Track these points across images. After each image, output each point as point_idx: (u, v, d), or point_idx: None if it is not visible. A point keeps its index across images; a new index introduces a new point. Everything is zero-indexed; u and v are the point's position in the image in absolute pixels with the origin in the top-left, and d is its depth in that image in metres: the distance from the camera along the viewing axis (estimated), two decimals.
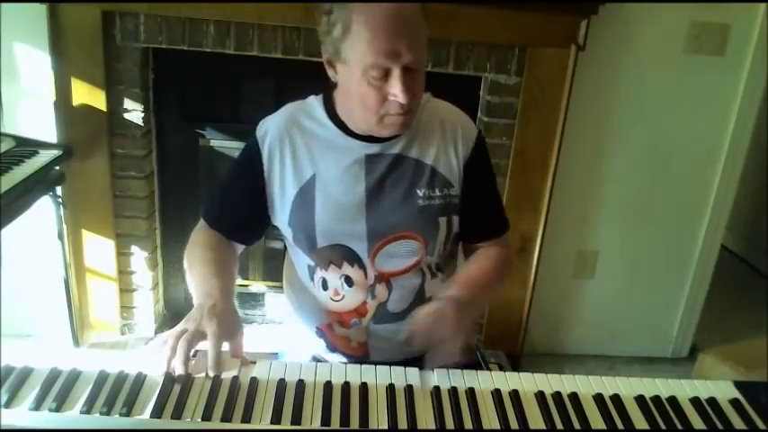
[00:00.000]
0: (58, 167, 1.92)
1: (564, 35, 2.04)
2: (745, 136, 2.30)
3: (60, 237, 2.04)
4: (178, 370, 0.98)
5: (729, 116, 2.27)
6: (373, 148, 1.19)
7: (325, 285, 1.24)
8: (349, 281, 1.22)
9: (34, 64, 2.02)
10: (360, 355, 1.27)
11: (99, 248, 2.25)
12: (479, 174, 1.25)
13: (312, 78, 2.16)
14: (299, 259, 1.28)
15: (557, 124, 2.14)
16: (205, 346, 1.01)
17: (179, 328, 1.03)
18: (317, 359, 1.30)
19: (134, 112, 2.12)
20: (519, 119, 2.16)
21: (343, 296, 1.23)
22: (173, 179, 2.34)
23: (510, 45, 2.08)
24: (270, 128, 1.21)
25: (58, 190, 1.98)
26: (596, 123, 2.26)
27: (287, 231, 1.24)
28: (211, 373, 1.00)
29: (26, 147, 1.88)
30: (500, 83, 2.14)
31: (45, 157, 1.85)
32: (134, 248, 2.30)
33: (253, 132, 1.23)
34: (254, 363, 1.05)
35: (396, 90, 1.06)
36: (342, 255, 1.21)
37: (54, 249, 2.08)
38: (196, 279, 1.16)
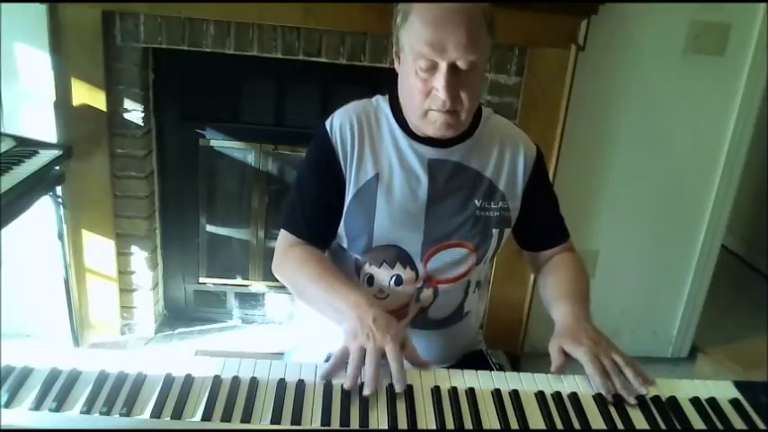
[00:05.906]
0: (57, 167, 1.92)
1: (564, 35, 2.04)
2: (745, 136, 2.30)
3: (60, 237, 2.04)
4: (371, 388, 0.96)
5: (729, 116, 2.27)
6: (435, 153, 1.20)
7: (371, 282, 1.24)
8: (399, 281, 1.22)
9: (34, 64, 2.02)
10: None
11: (99, 248, 2.25)
12: (543, 187, 1.30)
13: (312, 79, 2.20)
14: (343, 254, 1.26)
15: (557, 124, 2.14)
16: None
17: (352, 346, 1.00)
18: None
19: (134, 112, 2.12)
20: (519, 119, 2.15)
21: (388, 295, 1.23)
22: (173, 179, 2.34)
23: (510, 45, 2.08)
24: (336, 122, 1.21)
25: (58, 190, 1.98)
26: (596, 123, 2.26)
27: (339, 227, 1.23)
28: (399, 388, 0.97)
29: (26, 147, 1.88)
30: (500, 83, 2.14)
31: (45, 157, 1.85)
32: (134, 248, 2.30)
33: (320, 127, 1.21)
34: (429, 363, 1.06)
35: (438, 85, 1.07)
36: (395, 255, 1.21)
37: (54, 249, 2.07)
38: (325, 295, 1.14)
